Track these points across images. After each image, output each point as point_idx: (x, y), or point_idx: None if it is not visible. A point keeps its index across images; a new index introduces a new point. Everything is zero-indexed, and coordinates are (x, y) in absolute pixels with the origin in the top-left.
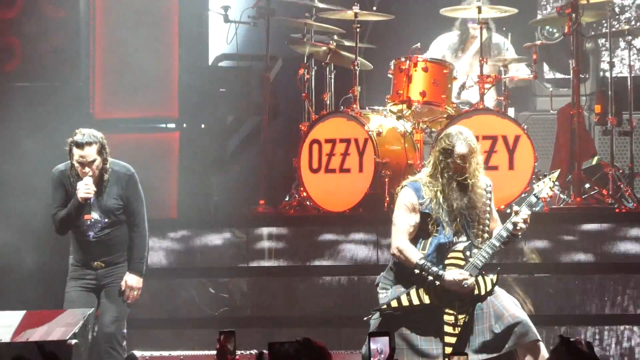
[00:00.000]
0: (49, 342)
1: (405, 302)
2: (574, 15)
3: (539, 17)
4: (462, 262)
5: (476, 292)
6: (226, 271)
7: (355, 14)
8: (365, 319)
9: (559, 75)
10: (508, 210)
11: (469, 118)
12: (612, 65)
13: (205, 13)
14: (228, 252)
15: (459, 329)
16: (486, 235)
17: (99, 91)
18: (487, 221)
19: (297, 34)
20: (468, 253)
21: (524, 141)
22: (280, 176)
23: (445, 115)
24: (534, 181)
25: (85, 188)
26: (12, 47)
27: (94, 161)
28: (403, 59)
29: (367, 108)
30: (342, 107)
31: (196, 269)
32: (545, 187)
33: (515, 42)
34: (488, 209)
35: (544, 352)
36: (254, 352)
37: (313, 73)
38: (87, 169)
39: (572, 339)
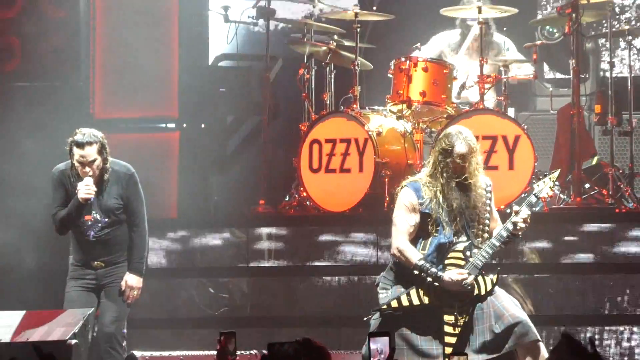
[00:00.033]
0: (48, 343)
1: (405, 302)
2: (574, 15)
3: (539, 17)
4: (462, 262)
5: (476, 292)
6: (226, 271)
7: (356, 14)
8: (365, 319)
9: (559, 75)
10: (508, 211)
11: (469, 118)
12: (612, 65)
13: (205, 13)
14: (228, 252)
15: (459, 329)
16: (486, 235)
17: (99, 91)
18: (487, 221)
19: (297, 34)
20: (468, 253)
21: (524, 141)
22: (280, 176)
23: (445, 115)
24: (534, 181)
25: (86, 189)
26: (12, 47)
27: (94, 161)
28: (403, 59)
29: (367, 108)
30: (342, 107)
31: (196, 269)
32: (545, 187)
33: (515, 42)
34: (488, 208)
35: (544, 352)
36: (253, 352)
37: (313, 73)
38: (87, 169)
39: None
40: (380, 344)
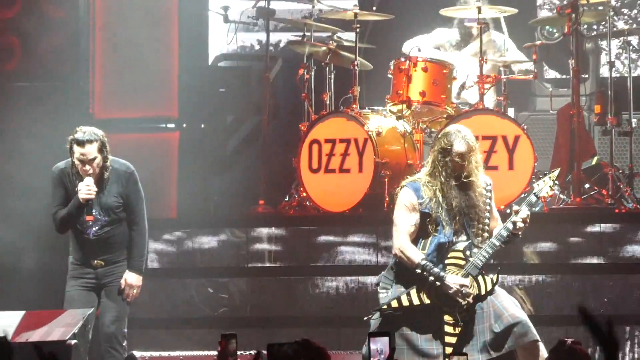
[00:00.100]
0: (48, 343)
1: (405, 302)
2: (573, 15)
3: (539, 17)
4: (462, 262)
5: (476, 291)
6: (226, 271)
7: (355, 14)
8: (365, 318)
9: (558, 76)
10: (508, 211)
11: (469, 118)
12: (611, 65)
13: (205, 13)
14: (227, 252)
15: (459, 329)
16: (486, 234)
17: (98, 91)
18: (487, 220)
19: (297, 34)
20: (468, 252)
21: (524, 141)
22: (279, 176)
23: (445, 116)
24: (533, 181)
25: (86, 189)
26: (12, 47)
27: (94, 159)
28: (403, 59)
29: (366, 108)
30: (341, 107)
31: (196, 269)
32: (545, 186)
33: (515, 43)
34: (488, 207)
35: (544, 353)
36: (253, 352)
37: (313, 73)
38: (87, 167)
39: (569, 341)
40: (380, 344)
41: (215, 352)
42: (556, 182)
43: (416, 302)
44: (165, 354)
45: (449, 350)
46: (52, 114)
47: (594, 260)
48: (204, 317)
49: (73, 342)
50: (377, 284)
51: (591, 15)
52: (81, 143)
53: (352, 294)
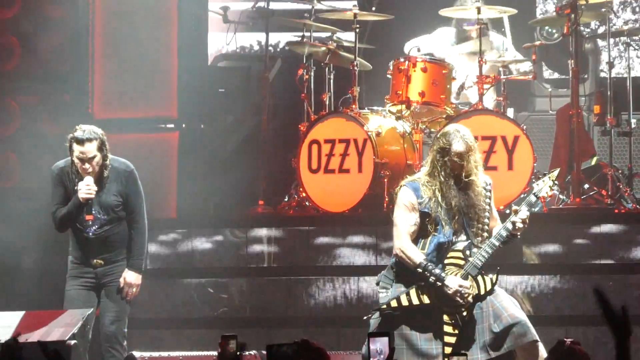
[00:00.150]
0: (47, 343)
1: (405, 302)
2: (572, 15)
3: (539, 16)
4: (461, 262)
5: (476, 291)
6: (225, 271)
7: (355, 14)
8: (365, 318)
9: (558, 76)
10: (507, 211)
11: (468, 118)
12: (611, 65)
13: (205, 13)
14: (227, 253)
15: (459, 329)
16: (486, 234)
17: (98, 91)
18: (486, 220)
19: (297, 34)
20: (468, 252)
21: (523, 141)
22: (279, 177)
23: (444, 116)
24: (533, 181)
25: (86, 189)
26: (11, 47)
27: (94, 157)
28: (402, 60)
29: (366, 108)
30: (341, 107)
31: (195, 269)
32: (545, 186)
33: (514, 42)
34: (488, 207)
35: (543, 353)
36: (253, 352)
37: (312, 73)
38: (87, 165)
39: (568, 341)
40: (379, 344)
41: (215, 352)
42: (556, 182)
43: (416, 302)
44: (165, 354)
45: (448, 350)
46: (52, 114)
47: (593, 260)
48: (204, 317)
49: (72, 342)
50: (377, 284)
51: (590, 15)
52: (81, 141)
53: (351, 294)
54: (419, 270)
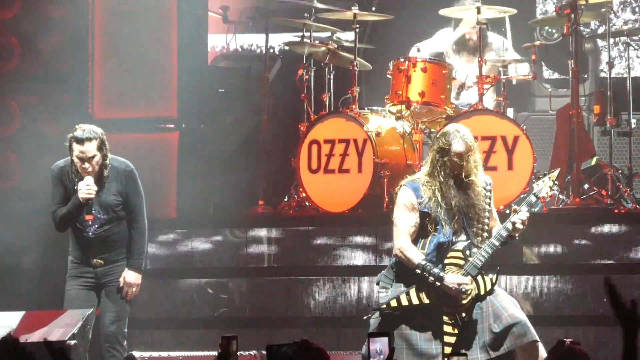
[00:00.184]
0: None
1: (404, 302)
2: (572, 15)
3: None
4: (461, 262)
5: (476, 291)
6: (225, 272)
7: (355, 14)
8: (365, 318)
9: (557, 76)
10: (507, 211)
11: (468, 118)
12: (611, 65)
13: (205, 13)
14: (227, 253)
15: (459, 328)
16: (485, 234)
17: (98, 91)
18: (486, 220)
19: (297, 34)
20: (468, 252)
21: (523, 142)
22: (279, 177)
23: (444, 116)
24: (533, 181)
25: (86, 189)
26: (11, 47)
27: (93, 157)
28: (402, 60)
29: (366, 108)
30: (341, 107)
31: (195, 269)
32: (545, 187)
33: (514, 42)
34: (487, 207)
35: (543, 353)
36: (252, 352)
37: (312, 73)
38: (86, 165)
39: (568, 341)
40: (379, 344)
41: (215, 353)
42: (556, 182)
43: (415, 302)
44: (165, 354)
45: (448, 350)
46: (52, 114)
47: (593, 260)
48: (204, 317)
49: (72, 342)
50: (377, 284)
51: (590, 15)
52: (80, 141)
53: (351, 294)
54: (418, 270)
